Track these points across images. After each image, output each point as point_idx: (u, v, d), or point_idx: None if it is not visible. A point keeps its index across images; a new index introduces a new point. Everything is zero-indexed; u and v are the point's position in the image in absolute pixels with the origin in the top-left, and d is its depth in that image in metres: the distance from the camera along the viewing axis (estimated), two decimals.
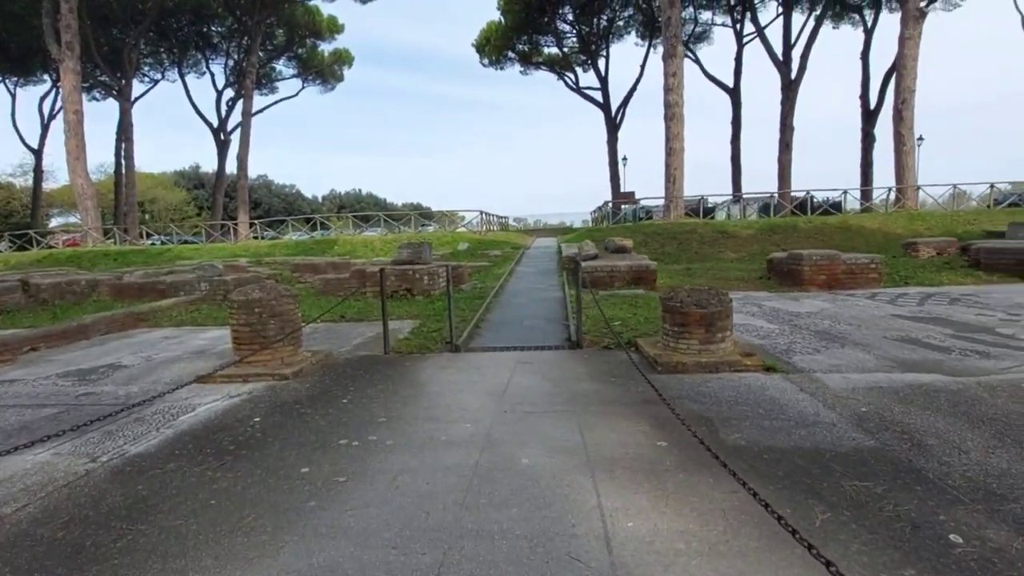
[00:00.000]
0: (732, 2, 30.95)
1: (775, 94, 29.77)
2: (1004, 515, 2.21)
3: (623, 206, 25.67)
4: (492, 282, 11.09)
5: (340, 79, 37.88)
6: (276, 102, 37.12)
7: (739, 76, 31.87)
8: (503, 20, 33.00)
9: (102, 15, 27.96)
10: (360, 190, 72.68)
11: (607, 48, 33.87)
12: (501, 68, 36.22)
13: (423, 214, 34.67)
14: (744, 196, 24.78)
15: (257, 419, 3.70)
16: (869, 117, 29.09)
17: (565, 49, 34.08)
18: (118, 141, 32.36)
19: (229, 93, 34.99)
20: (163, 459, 3.08)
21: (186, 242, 29.64)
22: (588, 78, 35.64)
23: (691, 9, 30.93)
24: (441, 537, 2.18)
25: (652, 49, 32.72)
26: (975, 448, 2.85)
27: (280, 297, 5.09)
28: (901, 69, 21.73)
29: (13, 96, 34.08)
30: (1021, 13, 23.81)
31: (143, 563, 2.08)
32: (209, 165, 50.62)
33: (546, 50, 35.29)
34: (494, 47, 34.33)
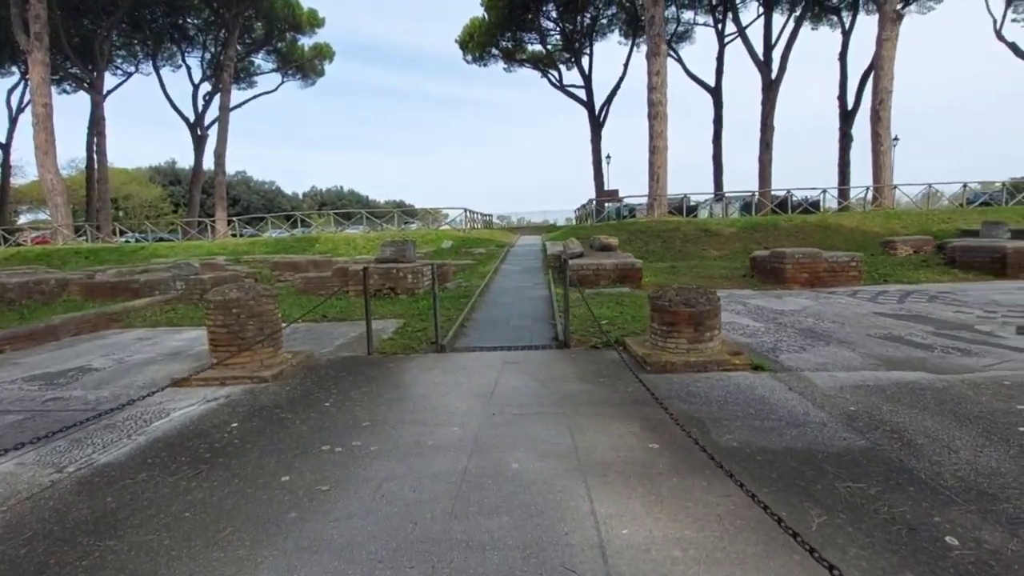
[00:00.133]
0: (714, 2, 31.19)
1: (756, 94, 30.14)
2: (997, 515, 2.20)
3: (607, 204, 25.74)
4: (477, 280, 10.99)
5: (321, 74, 37.27)
6: (255, 97, 36.42)
7: (721, 76, 32.15)
8: (487, 16, 32.78)
9: (73, 5, 27.04)
10: (342, 187, 71.53)
11: (591, 46, 33.90)
12: (485, 65, 36.01)
13: (406, 212, 34.23)
14: (726, 195, 25.01)
15: (235, 424, 3.56)
16: (847, 117, 29.59)
17: (549, 46, 33.98)
18: (90, 135, 31.37)
19: (206, 87, 34.17)
20: (134, 469, 2.93)
21: (162, 240, 28.82)
22: (572, 76, 35.78)
23: (673, 8, 31.08)
24: (429, 549, 2.09)
25: (635, 48, 32.88)
26: (964, 447, 2.85)
27: (259, 297, 4.93)
28: (878, 70, 22.12)
29: None
30: (994, 17, 24.45)
31: None
32: (186, 161, 49.44)
33: (530, 47, 35.18)
34: (478, 43, 34.08)
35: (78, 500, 2.60)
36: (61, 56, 28.08)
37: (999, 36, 25.46)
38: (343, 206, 53.30)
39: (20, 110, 32.92)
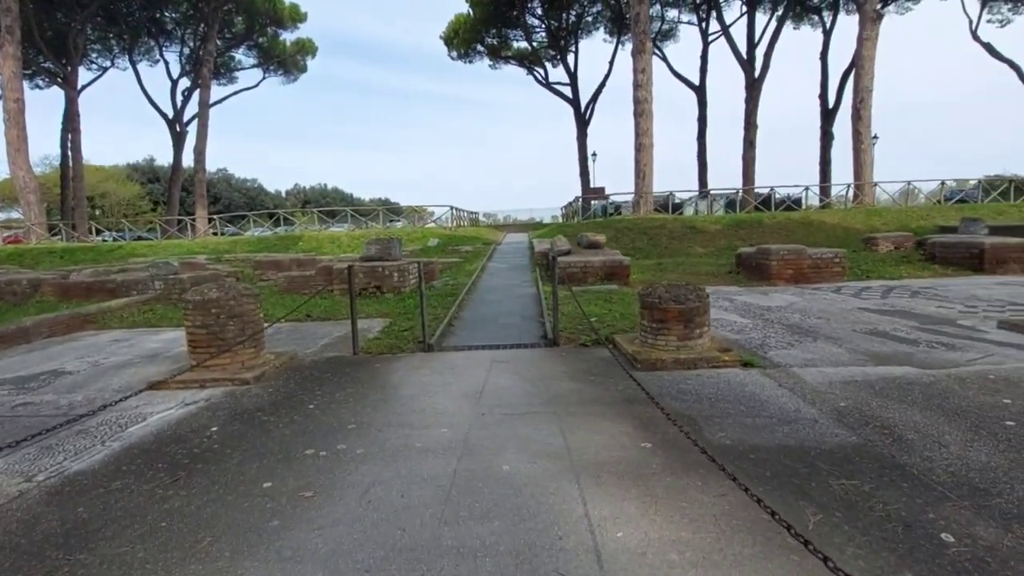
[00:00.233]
0: (698, 0, 31.39)
1: (740, 92, 30.42)
2: (991, 511, 2.20)
3: (593, 201, 25.77)
4: (464, 278, 10.89)
5: (303, 70, 36.70)
6: (235, 92, 35.68)
7: (705, 74, 32.41)
8: (472, 12, 32.57)
9: None
10: (326, 185, 70.57)
11: (576, 43, 33.88)
12: (470, 61, 35.80)
13: (392, 209, 33.86)
14: (711, 192, 25.20)
15: (215, 429, 3.44)
16: (828, 116, 30.02)
17: (534, 43, 33.90)
18: (64, 132, 30.47)
19: (185, 83, 33.41)
20: (108, 476, 2.80)
21: (140, 238, 28.19)
22: (558, 73, 35.83)
23: (658, 6, 31.22)
24: (419, 557, 2.01)
25: (620, 46, 32.94)
26: (954, 442, 2.85)
27: (240, 296, 4.79)
28: (859, 69, 22.44)
29: None
30: (970, 17, 24.95)
31: None
32: (165, 158, 48.41)
33: (515, 44, 35.07)
34: (463, 40, 33.86)
35: (47, 511, 2.47)
36: (34, 50, 27.23)
37: (975, 36, 26.02)
38: (327, 204, 52.64)
39: None
